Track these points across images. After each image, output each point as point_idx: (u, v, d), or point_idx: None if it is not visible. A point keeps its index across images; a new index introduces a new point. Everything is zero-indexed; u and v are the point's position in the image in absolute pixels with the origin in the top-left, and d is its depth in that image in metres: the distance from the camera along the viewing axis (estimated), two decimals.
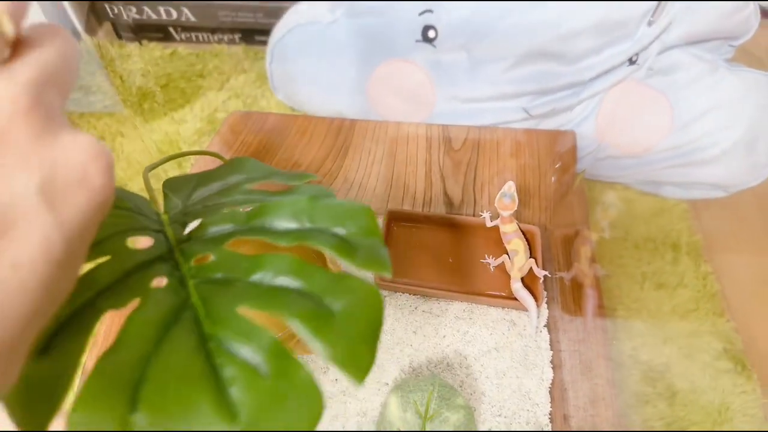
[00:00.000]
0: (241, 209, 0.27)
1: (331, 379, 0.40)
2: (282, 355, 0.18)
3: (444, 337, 0.42)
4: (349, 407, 0.39)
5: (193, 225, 0.27)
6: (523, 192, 0.48)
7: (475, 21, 0.61)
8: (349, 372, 0.19)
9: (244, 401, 0.17)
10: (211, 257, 0.24)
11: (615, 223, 0.75)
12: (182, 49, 0.86)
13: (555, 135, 0.53)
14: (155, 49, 0.84)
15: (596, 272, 0.42)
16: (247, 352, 0.19)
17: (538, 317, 0.41)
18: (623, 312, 0.64)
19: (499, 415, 0.38)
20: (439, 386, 0.37)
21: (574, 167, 0.48)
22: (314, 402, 0.17)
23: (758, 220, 0.73)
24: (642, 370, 0.60)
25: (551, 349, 0.41)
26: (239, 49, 0.87)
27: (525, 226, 0.46)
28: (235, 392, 0.17)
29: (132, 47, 0.84)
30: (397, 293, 0.44)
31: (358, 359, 0.19)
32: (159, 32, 0.86)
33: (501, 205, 0.45)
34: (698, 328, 0.64)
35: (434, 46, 0.63)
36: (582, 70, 0.63)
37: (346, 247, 0.23)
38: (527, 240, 0.45)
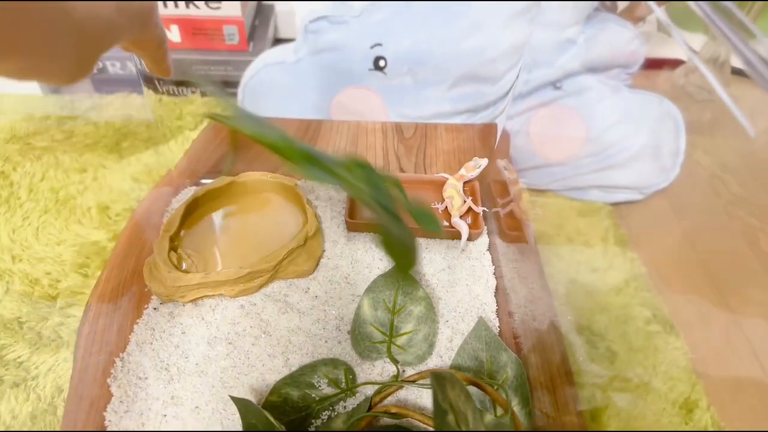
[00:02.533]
0: None
1: (311, 296, 0.46)
2: None
3: None
4: (328, 314, 0.45)
5: None
6: (462, 162, 0.58)
7: (417, 50, 0.74)
8: None
9: None
10: None
11: (550, 220, 0.86)
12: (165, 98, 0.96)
13: (484, 125, 0.64)
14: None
15: (525, 207, 0.52)
16: None
17: (467, 239, 0.51)
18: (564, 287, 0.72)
19: (455, 311, 0.45)
20: (402, 281, 0.44)
21: (494, 139, 0.60)
22: None
23: (671, 216, 0.85)
24: (585, 335, 0.67)
25: (493, 265, 0.49)
26: (212, 99, 0.97)
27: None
28: None
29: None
30: (364, 233, 0.52)
31: None
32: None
33: (466, 167, 0.55)
34: (629, 301, 0.73)
35: (385, 73, 0.75)
36: (501, 89, 0.76)
37: None
38: (471, 190, 0.55)
